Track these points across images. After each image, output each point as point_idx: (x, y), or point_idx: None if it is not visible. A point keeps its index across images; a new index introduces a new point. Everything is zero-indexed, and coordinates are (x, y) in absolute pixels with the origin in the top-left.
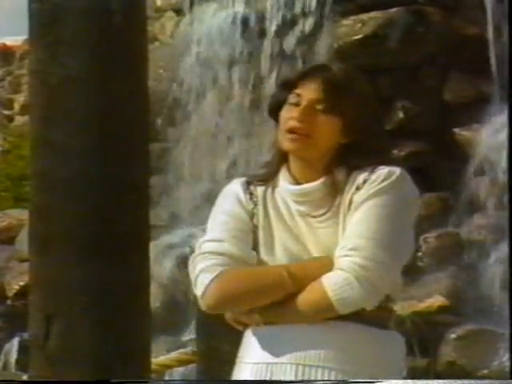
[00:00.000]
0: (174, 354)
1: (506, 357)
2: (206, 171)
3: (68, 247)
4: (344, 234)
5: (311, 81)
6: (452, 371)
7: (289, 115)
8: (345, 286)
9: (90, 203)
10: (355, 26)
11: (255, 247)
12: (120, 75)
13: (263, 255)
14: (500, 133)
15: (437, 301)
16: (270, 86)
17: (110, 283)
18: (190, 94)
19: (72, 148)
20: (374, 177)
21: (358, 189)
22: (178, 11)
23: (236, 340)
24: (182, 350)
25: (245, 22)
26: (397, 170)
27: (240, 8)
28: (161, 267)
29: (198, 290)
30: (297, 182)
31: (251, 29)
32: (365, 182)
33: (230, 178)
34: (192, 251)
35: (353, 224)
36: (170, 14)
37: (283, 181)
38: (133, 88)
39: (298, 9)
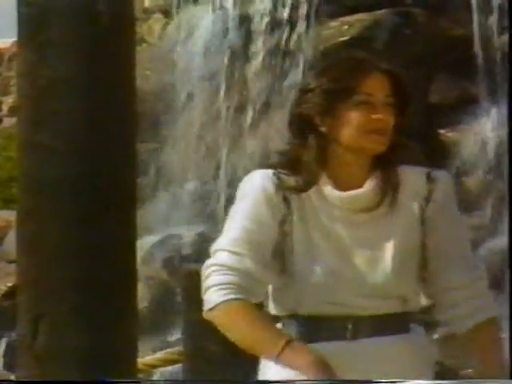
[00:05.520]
0: (160, 354)
1: None
2: (193, 172)
3: (55, 248)
4: (441, 264)
5: (376, 77)
6: (438, 371)
7: (364, 116)
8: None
9: (77, 204)
10: (342, 28)
11: (281, 256)
12: (108, 76)
13: (299, 267)
14: (486, 133)
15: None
16: (257, 89)
17: (97, 283)
18: (178, 95)
19: (59, 149)
20: (439, 186)
21: (426, 200)
22: (166, 13)
23: (222, 340)
24: (168, 350)
25: (232, 23)
26: (446, 174)
27: (228, 10)
28: (148, 267)
29: (207, 304)
30: (340, 187)
31: (239, 31)
32: (430, 191)
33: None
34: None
35: (446, 251)
36: (158, 15)
37: (326, 187)
38: (120, 89)
39: (286, 10)
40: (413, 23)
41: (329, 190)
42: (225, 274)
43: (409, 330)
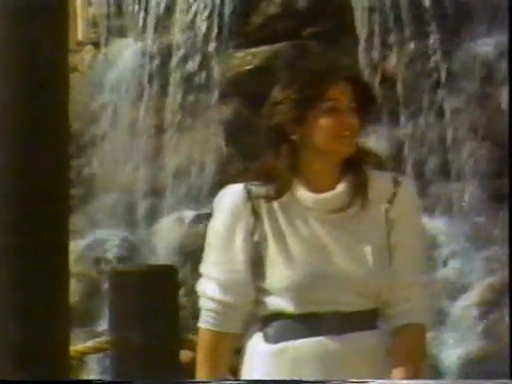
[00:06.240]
0: (90, 343)
1: None
2: (117, 184)
3: None
4: (400, 261)
5: (340, 84)
6: None
7: (333, 121)
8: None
9: (17, 212)
10: (246, 58)
11: (259, 265)
12: (44, 100)
13: (276, 273)
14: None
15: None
16: (175, 110)
17: (33, 281)
18: (105, 117)
19: (1, 164)
20: (402, 190)
21: (390, 202)
22: (96, 44)
23: (143, 330)
24: (97, 339)
25: (152, 53)
26: (409, 180)
27: (149, 42)
28: (79, 266)
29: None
30: (314, 190)
31: (157, 59)
32: (395, 194)
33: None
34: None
35: (408, 255)
36: (89, 47)
37: (300, 191)
38: (55, 111)
39: (199, 43)
40: (308, 54)
41: (303, 193)
42: (206, 301)
43: (376, 326)
